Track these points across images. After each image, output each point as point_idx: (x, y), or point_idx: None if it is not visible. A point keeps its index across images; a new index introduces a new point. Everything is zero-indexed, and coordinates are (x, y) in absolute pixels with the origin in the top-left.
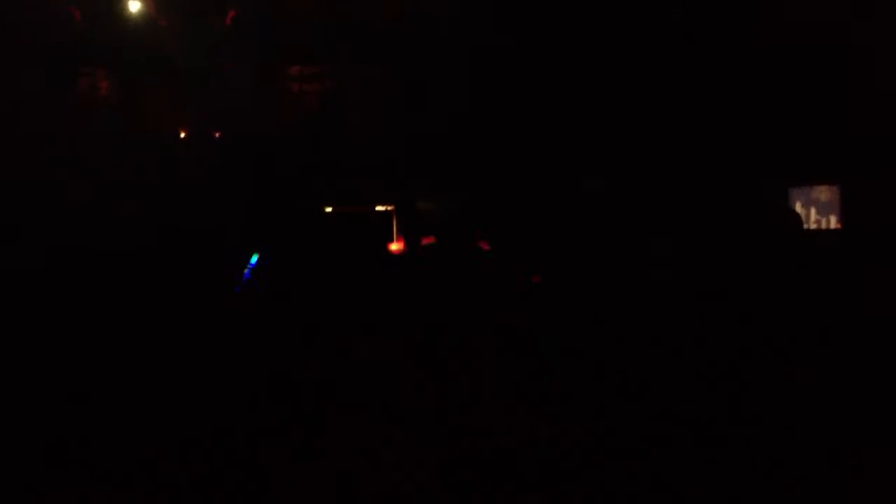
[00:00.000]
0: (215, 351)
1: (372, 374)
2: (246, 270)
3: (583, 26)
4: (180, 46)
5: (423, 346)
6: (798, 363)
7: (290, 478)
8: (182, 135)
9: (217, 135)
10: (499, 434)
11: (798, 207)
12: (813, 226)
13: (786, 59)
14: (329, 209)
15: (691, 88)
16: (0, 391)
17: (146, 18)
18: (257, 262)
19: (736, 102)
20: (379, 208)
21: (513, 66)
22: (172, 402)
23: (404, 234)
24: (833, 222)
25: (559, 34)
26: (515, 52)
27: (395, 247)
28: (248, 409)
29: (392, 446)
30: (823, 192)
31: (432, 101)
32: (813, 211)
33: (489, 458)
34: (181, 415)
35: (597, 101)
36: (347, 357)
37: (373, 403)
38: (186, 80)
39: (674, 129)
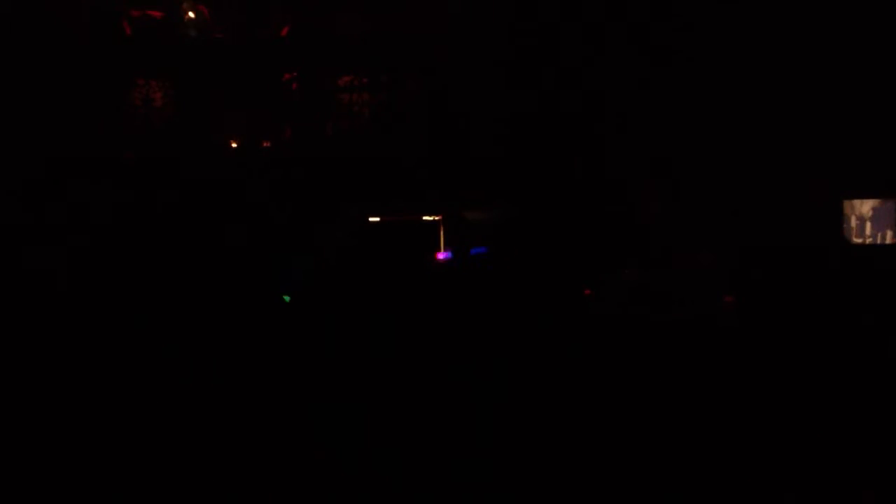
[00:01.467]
0: (254, 357)
1: (409, 384)
2: (291, 280)
3: (628, 36)
4: (235, 58)
5: (464, 357)
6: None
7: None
8: (234, 145)
9: (266, 144)
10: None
11: (852, 221)
12: (868, 240)
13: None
14: (375, 219)
15: (746, 94)
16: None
17: (202, 30)
18: (300, 271)
19: (793, 109)
20: (426, 218)
21: (563, 74)
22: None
23: (451, 245)
24: (889, 237)
25: (611, 40)
26: (564, 58)
27: (441, 254)
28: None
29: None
30: (879, 206)
31: (483, 111)
32: (868, 225)
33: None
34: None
35: (649, 110)
36: (387, 367)
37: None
38: (241, 92)
39: (730, 137)
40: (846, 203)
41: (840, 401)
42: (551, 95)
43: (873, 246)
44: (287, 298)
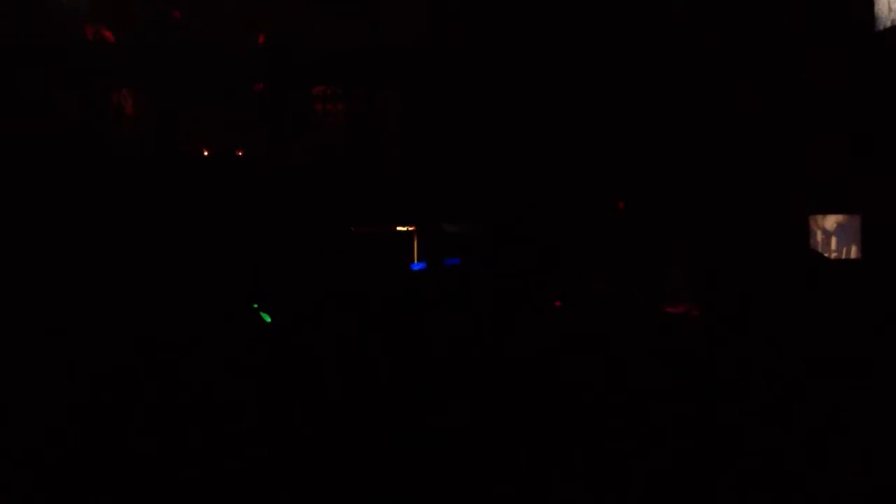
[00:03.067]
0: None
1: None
2: (263, 292)
3: (608, 49)
4: (211, 66)
5: (435, 365)
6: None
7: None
8: (206, 153)
9: (240, 154)
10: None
11: (818, 236)
12: (833, 255)
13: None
14: (350, 229)
15: (714, 113)
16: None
17: (178, 38)
18: (271, 282)
19: (759, 129)
20: (400, 229)
21: (536, 88)
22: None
23: (426, 255)
24: (854, 252)
25: (586, 56)
26: (539, 73)
27: (415, 265)
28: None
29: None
30: (844, 221)
31: (457, 123)
32: (834, 240)
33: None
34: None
35: (621, 126)
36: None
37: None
38: (215, 100)
39: (697, 153)
40: (811, 218)
41: (804, 410)
42: (526, 108)
43: (839, 260)
44: (266, 317)
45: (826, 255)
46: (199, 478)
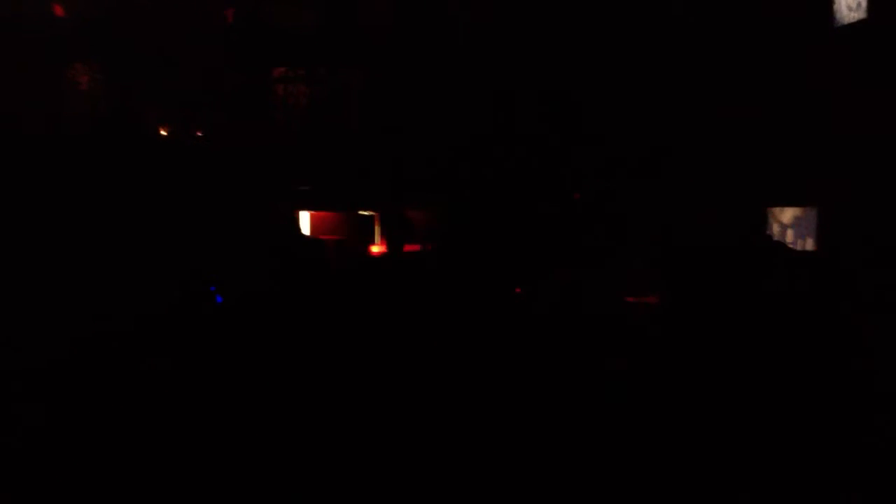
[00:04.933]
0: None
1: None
2: (218, 277)
3: (572, 33)
4: (171, 44)
5: (397, 353)
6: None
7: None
8: (164, 133)
9: (199, 134)
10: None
11: (774, 228)
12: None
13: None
14: (309, 213)
15: (673, 105)
16: None
17: (138, 12)
18: (229, 268)
19: (716, 120)
20: (362, 213)
21: (504, 75)
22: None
23: (388, 240)
24: (810, 244)
25: (551, 41)
26: (505, 60)
27: (376, 249)
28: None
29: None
30: (801, 214)
31: (422, 107)
32: (790, 232)
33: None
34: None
35: (585, 115)
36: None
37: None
38: (174, 79)
39: (657, 145)
40: (769, 210)
41: (763, 400)
42: (492, 95)
43: (796, 250)
44: (219, 298)
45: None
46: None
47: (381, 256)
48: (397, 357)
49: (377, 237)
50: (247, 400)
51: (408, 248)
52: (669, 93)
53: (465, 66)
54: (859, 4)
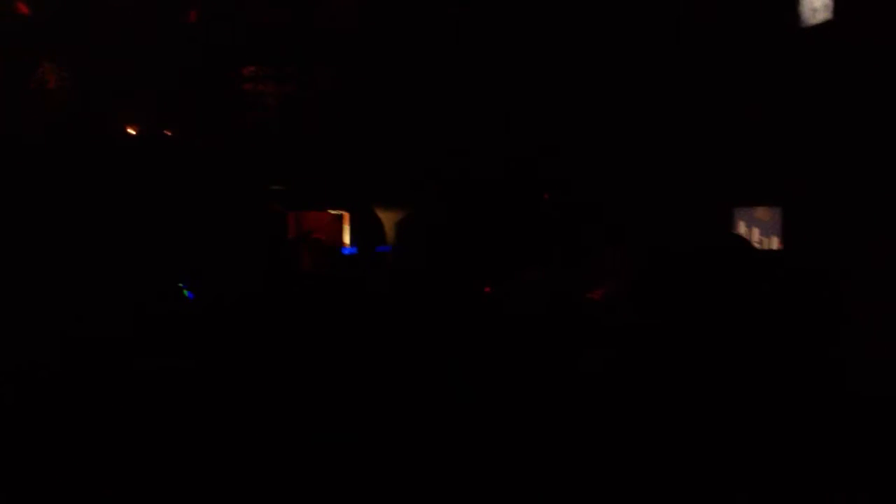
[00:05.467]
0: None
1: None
2: (189, 277)
3: (540, 35)
4: (139, 42)
5: (364, 350)
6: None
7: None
8: (132, 132)
9: (168, 133)
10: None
11: (742, 228)
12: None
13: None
14: (279, 212)
15: (641, 105)
16: None
17: (105, 11)
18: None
19: (683, 120)
20: (332, 212)
21: (471, 74)
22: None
23: (358, 240)
24: (775, 243)
25: (517, 43)
26: (474, 59)
27: (346, 249)
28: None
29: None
30: (766, 213)
31: (392, 107)
32: (756, 231)
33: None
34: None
35: (550, 111)
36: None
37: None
38: (143, 78)
39: (626, 145)
40: (736, 210)
41: (733, 398)
42: (462, 94)
43: (762, 250)
44: (186, 293)
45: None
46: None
47: (351, 257)
48: (366, 358)
49: (347, 237)
50: (212, 399)
51: (379, 248)
52: (636, 94)
53: (436, 67)
54: (825, 6)
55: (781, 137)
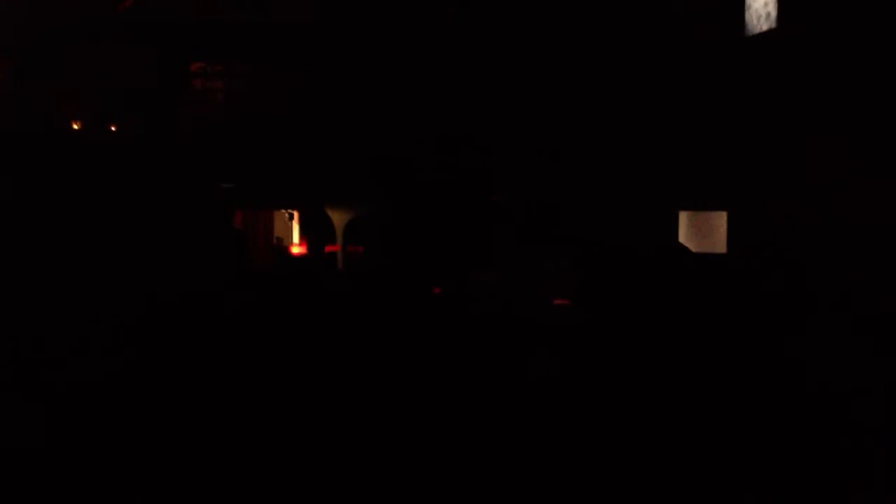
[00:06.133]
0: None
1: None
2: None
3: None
4: (86, 38)
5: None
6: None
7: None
8: (76, 127)
9: (112, 128)
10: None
11: (687, 231)
12: (701, 249)
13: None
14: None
15: (592, 113)
16: None
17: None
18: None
19: (631, 126)
20: (283, 212)
21: (425, 75)
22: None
23: (308, 240)
24: (722, 246)
25: (473, 46)
26: (428, 60)
27: (296, 249)
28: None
29: None
30: (712, 217)
31: (345, 107)
32: (700, 234)
33: None
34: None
35: (503, 116)
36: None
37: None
38: (89, 73)
39: (579, 153)
40: (682, 214)
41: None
42: (414, 98)
43: (706, 254)
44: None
45: (693, 248)
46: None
47: (300, 257)
48: (314, 355)
49: (297, 236)
50: (166, 395)
51: (329, 248)
52: (585, 100)
53: (389, 67)
54: (769, 15)
55: (727, 144)
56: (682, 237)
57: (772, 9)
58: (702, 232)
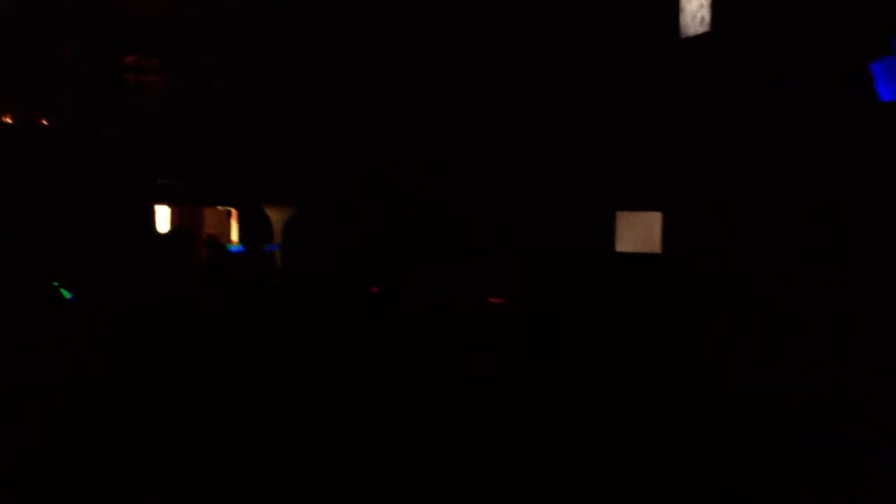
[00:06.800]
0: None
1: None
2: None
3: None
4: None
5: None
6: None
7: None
8: (8, 121)
9: (43, 122)
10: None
11: (625, 230)
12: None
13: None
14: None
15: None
16: None
17: None
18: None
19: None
20: (220, 209)
21: (362, 69)
22: None
23: (246, 237)
24: (657, 247)
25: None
26: (364, 54)
27: (233, 247)
28: None
29: None
30: (648, 218)
31: (280, 102)
32: (637, 236)
33: None
34: None
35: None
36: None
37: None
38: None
39: (517, 151)
40: (618, 215)
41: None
42: (353, 91)
43: (641, 254)
44: (66, 294)
45: (629, 249)
46: None
47: (238, 254)
48: (250, 357)
49: (235, 234)
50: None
51: (267, 246)
52: (519, 99)
53: (326, 65)
54: (703, 18)
55: (661, 144)
56: (619, 238)
57: (706, 12)
58: (638, 232)
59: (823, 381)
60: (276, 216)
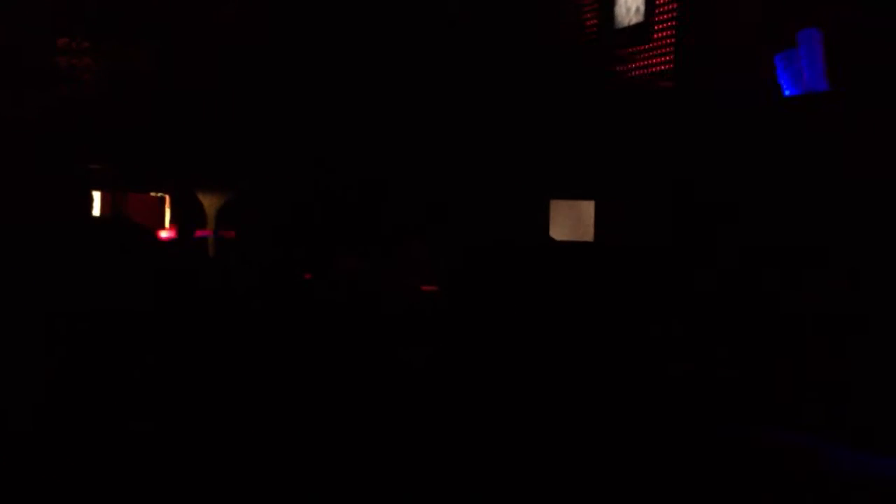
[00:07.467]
0: None
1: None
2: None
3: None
4: None
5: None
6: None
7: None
8: None
9: None
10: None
11: (558, 220)
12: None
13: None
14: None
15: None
16: None
17: None
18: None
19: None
20: (153, 194)
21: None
22: None
23: (178, 224)
24: (590, 236)
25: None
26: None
27: (164, 234)
28: None
29: None
30: (582, 207)
31: (219, 88)
32: (571, 224)
33: None
34: None
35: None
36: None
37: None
38: None
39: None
40: (552, 203)
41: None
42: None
43: (574, 243)
44: None
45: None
46: None
47: (169, 241)
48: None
49: (167, 221)
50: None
51: (199, 233)
52: (449, 88)
53: (257, 49)
54: (638, 9)
55: (596, 133)
56: (552, 226)
57: (640, 3)
58: (571, 221)
59: (747, 372)
60: (209, 203)
